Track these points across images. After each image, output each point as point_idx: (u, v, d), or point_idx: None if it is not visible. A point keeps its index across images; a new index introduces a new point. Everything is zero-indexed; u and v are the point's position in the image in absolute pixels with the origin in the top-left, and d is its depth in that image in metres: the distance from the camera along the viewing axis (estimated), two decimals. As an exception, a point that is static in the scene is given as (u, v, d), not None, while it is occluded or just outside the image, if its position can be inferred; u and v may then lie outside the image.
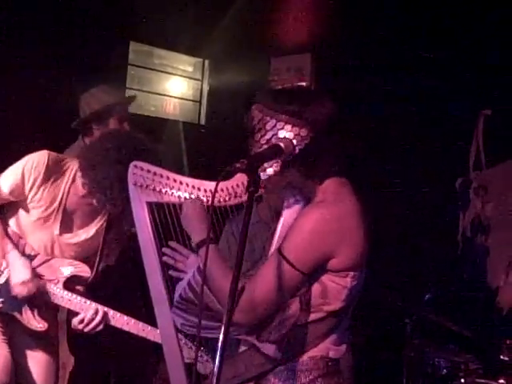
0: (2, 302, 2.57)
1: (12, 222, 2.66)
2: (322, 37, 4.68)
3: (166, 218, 2.01)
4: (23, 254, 2.59)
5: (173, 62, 5.21)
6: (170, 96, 5.19)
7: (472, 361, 3.27)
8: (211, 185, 1.98)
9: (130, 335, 2.59)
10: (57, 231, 2.63)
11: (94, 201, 2.54)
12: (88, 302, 2.58)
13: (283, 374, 1.79)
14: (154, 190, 2.01)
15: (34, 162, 2.56)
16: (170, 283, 2.04)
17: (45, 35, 3.85)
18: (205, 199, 1.99)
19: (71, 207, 2.63)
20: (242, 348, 1.86)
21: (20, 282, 2.52)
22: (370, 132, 4.13)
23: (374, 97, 4.22)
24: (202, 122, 5.38)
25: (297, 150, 1.75)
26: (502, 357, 3.25)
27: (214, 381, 1.43)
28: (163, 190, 2.01)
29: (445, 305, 3.59)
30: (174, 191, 2.00)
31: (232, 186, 2.03)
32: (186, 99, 5.31)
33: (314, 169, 1.80)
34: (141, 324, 2.55)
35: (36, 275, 2.56)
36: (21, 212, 2.63)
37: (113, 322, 2.57)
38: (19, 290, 2.52)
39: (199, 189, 2.01)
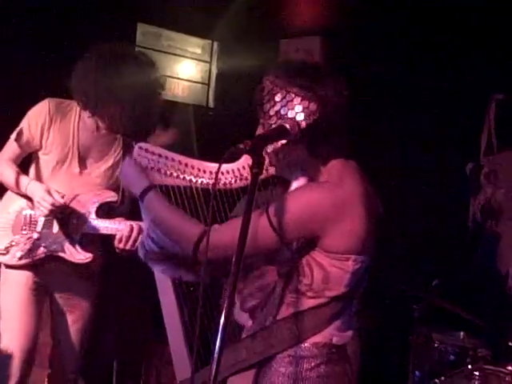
0: (45, 246, 2.69)
1: (34, 173, 2.77)
2: (331, 19, 4.63)
3: (171, 200, 1.97)
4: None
5: (181, 43, 5.16)
6: (179, 78, 5.15)
7: (480, 347, 3.26)
8: (212, 166, 1.97)
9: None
10: (77, 169, 2.73)
11: (89, 120, 2.64)
12: (122, 223, 2.67)
13: (285, 361, 1.77)
14: (158, 171, 1.98)
15: (37, 110, 2.71)
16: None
17: (50, 16, 3.82)
18: (210, 181, 1.96)
19: (85, 143, 2.73)
20: (244, 335, 1.85)
21: (37, 201, 2.64)
22: (377, 117, 4.09)
23: (385, 80, 4.17)
24: (211, 104, 5.34)
25: (304, 125, 1.71)
26: (510, 343, 3.23)
27: (214, 366, 1.41)
28: (168, 172, 1.98)
29: (453, 290, 3.56)
30: (179, 173, 1.98)
31: (238, 169, 2.00)
32: (195, 81, 5.27)
33: (322, 146, 1.76)
34: None
35: (51, 189, 2.65)
36: (41, 161, 2.75)
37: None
38: (41, 207, 2.64)
39: (204, 171, 1.99)
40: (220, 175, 1.97)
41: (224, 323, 1.44)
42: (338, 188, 1.73)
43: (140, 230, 2.59)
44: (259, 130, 1.82)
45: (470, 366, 3.17)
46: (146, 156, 1.99)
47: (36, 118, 2.69)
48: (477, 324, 3.29)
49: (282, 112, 1.73)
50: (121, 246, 2.64)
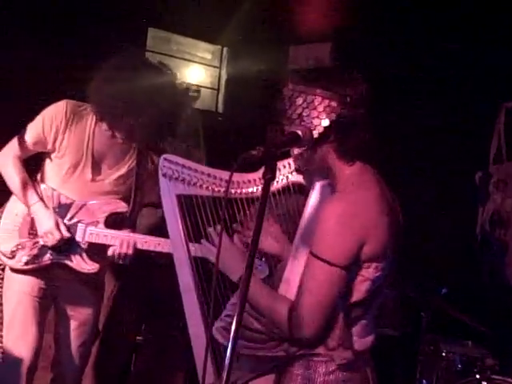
0: (51, 253, 2.66)
1: (45, 175, 2.73)
2: (342, 26, 4.63)
3: (194, 210, 2.06)
4: (59, 205, 2.67)
5: (191, 48, 5.18)
6: (188, 83, 5.16)
7: (488, 356, 3.24)
8: (239, 177, 2.04)
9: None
10: (89, 175, 2.69)
11: (104, 125, 2.59)
12: (131, 234, 2.65)
13: (304, 365, 1.78)
14: (183, 181, 2.08)
15: (53, 111, 2.63)
16: (197, 273, 2.10)
17: (62, 20, 3.84)
18: (233, 191, 2.06)
19: (100, 149, 2.68)
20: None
21: (44, 232, 2.61)
22: (387, 124, 4.08)
23: (394, 88, 4.17)
24: (220, 109, 5.36)
25: (327, 123, 1.73)
26: (518, 353, 3.22)
27: (225, 376, 1.40)
28: (192, 182, 2.09)
29: (461, 299, 3.54)
30: (202, 183, 2.08)
31: (259, 178, 2.08)
32: (204, 87, 5.28)
33: (346, 143, 1.77)
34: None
35: (60, 223, 2.63)
36: (54, 164, 2.70)
37: (145, 247, 2.62)
38: (46, 240, 2.61)
39: (226, 180, 2.06)
40: (243, 184, 2.06)
41: (234, 335, 1.43)
42: (355, 196, 1.74)
43: (133, 244, 2.59)
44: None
45: (477, 376, 3.15)
46: (171, 167, 2.10)
47: (51, 119, 2.61)
48: (484, 333, 3.27)
49: (305, 114, 1.76)
50: (112, 258, 2.64)
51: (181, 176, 2.08)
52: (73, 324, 2.78)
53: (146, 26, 4.72)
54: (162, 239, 2.55)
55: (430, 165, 4.09)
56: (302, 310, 1.70)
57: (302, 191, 2.15)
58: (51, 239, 2.60)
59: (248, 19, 4.66)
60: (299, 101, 1.77)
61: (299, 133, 1.71)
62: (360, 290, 1.74)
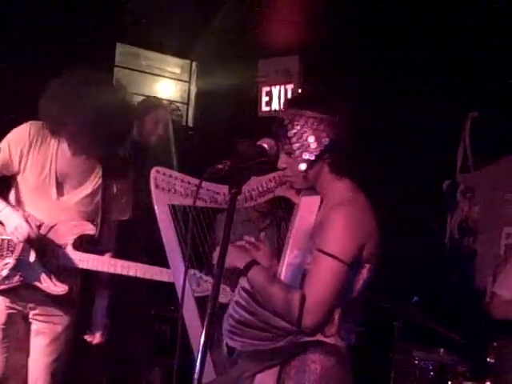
0: (21, 275, 2.64)
1: (13, 196, 2.73)
2: (309, 39, 4.68)
3: (187, 220, 2.10)
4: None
5: (160, 63, 5.19)
6: (158, 98, 5.17)
7: (459, 363, 3.28)
8: (225, 188, 2.06)
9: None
10: (54, 195, 2.70)
11: (65, 144, 2.63)
12: (101, 258, 2.69)
13: (301, 358, 1.94)
14: (175, 193, 2.18)
15: (18, 134, 2.67)
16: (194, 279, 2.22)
17: (31, 36, 3.82)
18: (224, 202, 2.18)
19: (63, 170, 2.70)
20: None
21: (13, 228, 2.59)
22: (355, 134, 4.11)
23: (360, 99, 4.22)
24: (190, 123, 5.37)
25: (327, 142, 1.93)
26: (488, 359, 3.26)
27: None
28: (185, 194, 2.19)
29: (432, 307, 3.58)
30: (193, 194, 2.17)
31: (253, 188, 2.23)
32: (174, 101, 5.29)
33: (339, 161, 1.97)
34: (147, 266, 2.68)
35: (29, 219, 2.63)
36: (19, 184, 2.71)
37: (123, 272, 2.68)
38: (16, 235, 2.60)
39: (218, 192, 2.19)
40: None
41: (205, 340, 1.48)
42: (356, 203, 1.96)
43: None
44: (283, 159, 2.00)
45: (449, 383, 3.19)
46: (164, 178, 2.20)
47: (16, 143, 2.65)
48: (456, 340, 3.31)
49: (305, 136, 1.94)
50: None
51: (174, 188, 2.18)
52: (45, 341, 2.75)
53: (115, 41, 4.72)
54: (140, 265, 2.65)
55: (399, 174, 4.14)
56: (311, 300, 1.87)
57: (286, 204, 2.33)
58: (21, 233, 2.58)
59: (216, 33, 4.69)
60: (299, 123, 1.94)
61: (265, 146, 1.75)
62: (355, 289, 1.94)
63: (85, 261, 2.67)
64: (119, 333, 3.38)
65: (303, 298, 1.87)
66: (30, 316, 2.75)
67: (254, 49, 4.94)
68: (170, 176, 2.20)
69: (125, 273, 2.67)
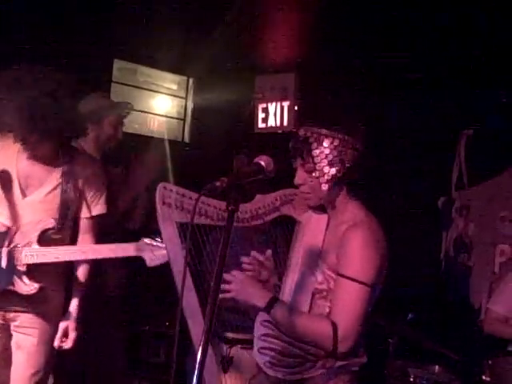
0: None
1: None
2: (305, 56, 4.72)
3: (195, 237, 2.13)
4: None
5: (157, 79, 5.21)
6: (155, 114, 5.19)
7: (454, 381, 3.27)
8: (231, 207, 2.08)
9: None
10: (20, 196, 2.73)
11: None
12: (65, 247, 2.69)
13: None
14: (182, 210, 2.13)
15: None
16: (204, 298, 2.08)
17: (28, 52, 3.83)
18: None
19: (24, 170, 2.73)
20: None
21: None
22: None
23: (356, 116, 4.24)
24: (187, 139, 5.38)
25: (345, 168, 2.01)
26: (484, 377, 3.26)
27: None
28: (191, 211, 2.11)
29: (427, 324, 3.58)
30: (200, 211, 2.13)
31: (259, 207, 2.23)
32: (171, 117, 5.31)
33: (357, 185, 2.05)
34: (113, 245, 2.66)
35: None
36: None
37: (95, 256, 2.66)
38: None
39: (224, 210, 2.08)
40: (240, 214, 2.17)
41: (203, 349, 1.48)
42: (371, 224, 2.01)
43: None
44: (301, 176, 2.06)
45: (445, 400, 3.18)
46: (170, 195, 2.13)
47: None
48: (451, 357, 3.31)
49: (330, 156, 2.00)
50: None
51: (181, 205, 2.13)
52: (25, 354, 2.74)
53: (112, 57, 4.74)
54: (109, 245, 2.64)
55: (394, 190, 4.15)
56: (343, 327, 1.90)
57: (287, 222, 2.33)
58: None
59: (213, 50, 4.72)
60: (323, 142, 2.00)
61: (262, 164, 1.75)
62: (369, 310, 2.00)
63: (53, 254, 2.65)
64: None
65: (335, 326, 1.90)
66: (12, 328, 2.75)
67: (251, 65, 4.97)
68: (178, 193, 2.15)
69: (97, 256, 2.66)
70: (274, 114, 4.99)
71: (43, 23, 3.92)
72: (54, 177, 2.75)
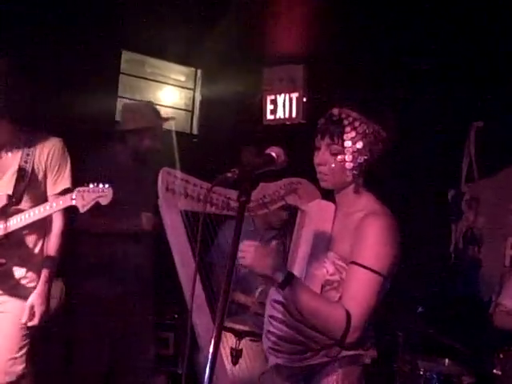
0: None
1: None
2: (314, 48, 4.69)
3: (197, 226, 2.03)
4: None
5: (165, 71, 5.19)
6: (162, 105, 5.16)
7: (465, 374, 3.25)
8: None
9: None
10: None
11: None
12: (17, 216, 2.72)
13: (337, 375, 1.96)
14: (186, 196, 2.02)
15: None
16: (210, 287, 2.05)
17: (37, 44, 3.82)
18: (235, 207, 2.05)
19: None
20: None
21: None
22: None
23: (365, 109, 4.21)
24: (194, 131, 5.37)
25: (372, 158, 1.97)
26: (494, 370, 3.24)
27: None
28: (195, 198, 2.03)
29: (437, 317, 3.56)
30: (205, 199, 2.02)
31: (264, 195, 2.13)
32: (178, 108, 5.29)
33: (375, 176, 2.02)
34: (49, 202, 2.69)
35: None
36: None
37: (44, 214, 2.67)
38: None
39: (230, 197, 2.05)
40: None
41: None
42: (387, 214, 1.97)
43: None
44: (325, 156, 1.99)
45: (454, 394, 3.16)
46: (174, 181, 2.02)
47: None
48: (461, 351, 3.29)
49: (360, 143, 1.95)
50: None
51: (185, 191, 2.02)
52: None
53: (120, 48, 4.72)
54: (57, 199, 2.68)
55: (403, 183, 4.13)
56: (356, 315, 1.85)
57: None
58: None
59: (221, 41, 4.69)
60: (357, 128, 1.95)
61: (274, 155, 1.73)
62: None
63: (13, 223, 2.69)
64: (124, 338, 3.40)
65: (349, 314, 1.84)
66: None
67: (259, 57, 4.95)
68: (182, 179, 2.03)
69: (37, 218, 2.67)
70: (282, 106, 4.96)
71: (52, 14, 3.90)
72: (16, 161, 2.79)
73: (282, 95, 4.96)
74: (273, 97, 5.01)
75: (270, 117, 5.02)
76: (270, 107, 5.02)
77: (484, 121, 4.16)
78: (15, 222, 2.72)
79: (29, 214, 2.69)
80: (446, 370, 3.34)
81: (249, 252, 1.85)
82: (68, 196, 2.63)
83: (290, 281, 1.86)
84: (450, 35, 3.95)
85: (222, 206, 2.05)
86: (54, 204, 2.66)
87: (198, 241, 1.70)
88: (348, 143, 1.94)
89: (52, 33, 3.89)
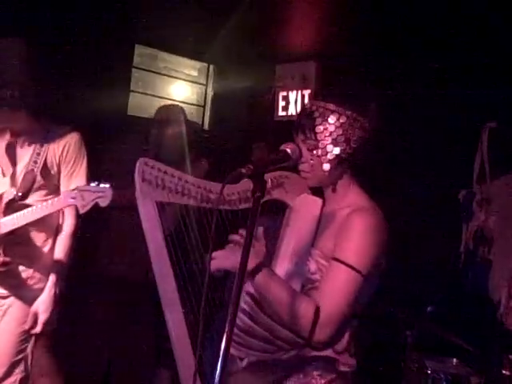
0: None
1: None
2: (326, 45, 4.68)
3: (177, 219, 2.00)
4: None
5: (177, 66, 5.20)
6: (174, 100, 5.18)
7: (473, 375, 3.24)
8: (218, 186, 1.94)
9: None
10: (0, 175, 2.78)
11: None
12: (25, 211, 2.66)
13: (303, 375, 1.85)
14: (163, 188, 1.95)
15: None
16: (183, 284, 1.97)
17: (49, 38, 3.83)
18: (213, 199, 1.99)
19: (1, 151, 2.78)
20: None
21: None
22: (371, 142, 4.10)
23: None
24: (206, 126, 5.37)
25: (351, 148, 1.86)
26: (503, 371, 3.22)
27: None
28: (176, 190, 1.96)
29: (446, 317, 3.55)
30: (184, 192, 1.96)
31: (243, 190, 2.03)
32: (190, 103, 5.30)
33: (362, 168, 1.92)
34: (48, 202, 2.62)
35: None
36: None
37: (41, 214, 2.62)
38: None
39: (210, 190, 1.98)
40: (226, 196, 1.99)
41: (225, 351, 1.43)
42: (374, 211, 1.88)
43: None
44: (302, 151, 1.89)
45: (462, 394, 3.15)
46: (152, 172, 1.94)
47: None
48: (470, 351, 3.28)
49: (334, 134, 1.85)
50: None
51: (163, 183, 1.94)
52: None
53: (133, 43, 4.73)
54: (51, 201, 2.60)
55: (414, 183, 4.11)
56: (326, 312, 1.76)
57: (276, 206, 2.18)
58: None
59: (234, 37, 4.69)
60: (328, 119, 1.85)
61: (288, 151, 1.73)
62: (363, 302, 1.85)
63: (11, 221, 2.64)
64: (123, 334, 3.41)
65: (317, 309, 1.75)
66: None
67: (272, 53, 4.95)
68: (160, 170, 1.94)
69: (35, 217, 2.61)
70: (294, 102, 4.97)
71: (65, 9, 3.91)
72: (29, 153, 2.76)
73: (294, 92, 4.97)
74: (285, 93, 5.02)
75: (281, 113, 5.03)
76: (281, 104, 5.03)
77: (497, 121, 4.13)
78: (9, 219, 2.65)
79: (26, 212, 2.62)
80: (454, 370, 3.32)
81: (217, 256, 1.84)
82: (65, 197, 2.57)
83: (260, 269, 1.80)
84: (464, 35, 3.93)
85: (202, 199, 1.97)
86: (50, 202, 2.59)
87: (211, 240, 1.66)
88: (320, 136, 1.85)
89: (65, 27, 3.90)
